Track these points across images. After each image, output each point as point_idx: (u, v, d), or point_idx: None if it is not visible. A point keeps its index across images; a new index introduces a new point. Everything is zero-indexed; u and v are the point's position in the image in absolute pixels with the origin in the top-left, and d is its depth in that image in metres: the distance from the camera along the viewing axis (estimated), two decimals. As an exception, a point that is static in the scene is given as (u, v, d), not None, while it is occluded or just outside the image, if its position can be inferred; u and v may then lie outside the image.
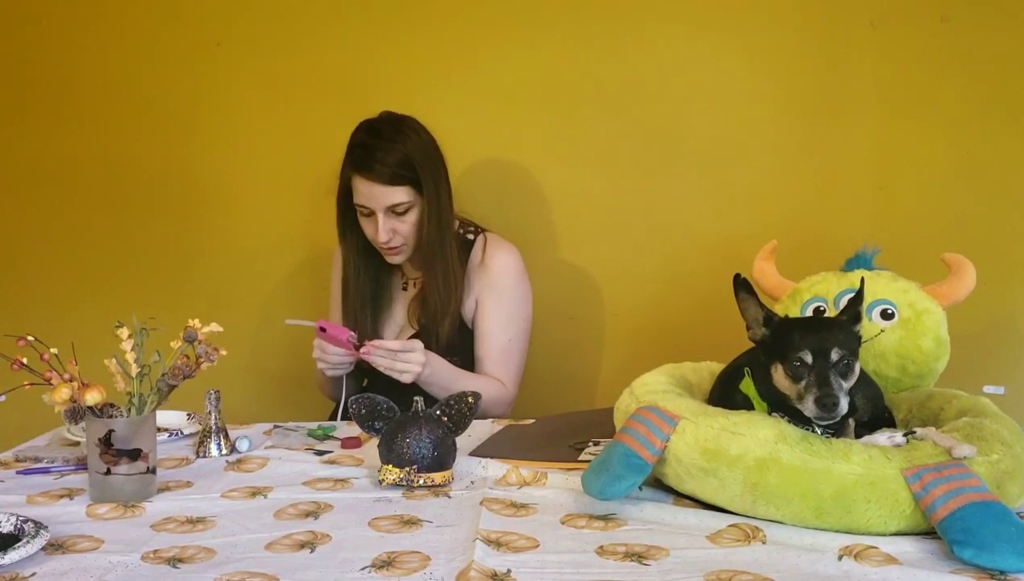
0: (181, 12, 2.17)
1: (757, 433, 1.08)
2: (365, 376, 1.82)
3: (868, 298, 1.33)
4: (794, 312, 1.39)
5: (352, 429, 1.55)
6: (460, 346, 1.80)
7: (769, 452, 1.06)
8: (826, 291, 1.37)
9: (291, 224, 2.19)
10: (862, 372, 1.26)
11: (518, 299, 1.86)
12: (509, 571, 0.95)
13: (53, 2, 2.20)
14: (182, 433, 1.54)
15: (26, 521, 1.06)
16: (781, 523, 1.06)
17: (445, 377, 1.69)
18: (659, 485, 1.19)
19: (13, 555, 0.96)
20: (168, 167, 2.21)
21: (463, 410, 1.31)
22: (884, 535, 1.02)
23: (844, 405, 1.08)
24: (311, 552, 1.03)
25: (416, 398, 1.30)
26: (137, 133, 2.20)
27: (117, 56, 2.20)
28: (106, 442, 1.19)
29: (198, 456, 1.43)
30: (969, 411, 1.19)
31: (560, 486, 1.24)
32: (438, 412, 1.30)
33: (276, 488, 1.26)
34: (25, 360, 1.19)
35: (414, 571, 0.96)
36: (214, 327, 1.28)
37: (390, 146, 1.72)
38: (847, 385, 1.10)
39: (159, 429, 1.39)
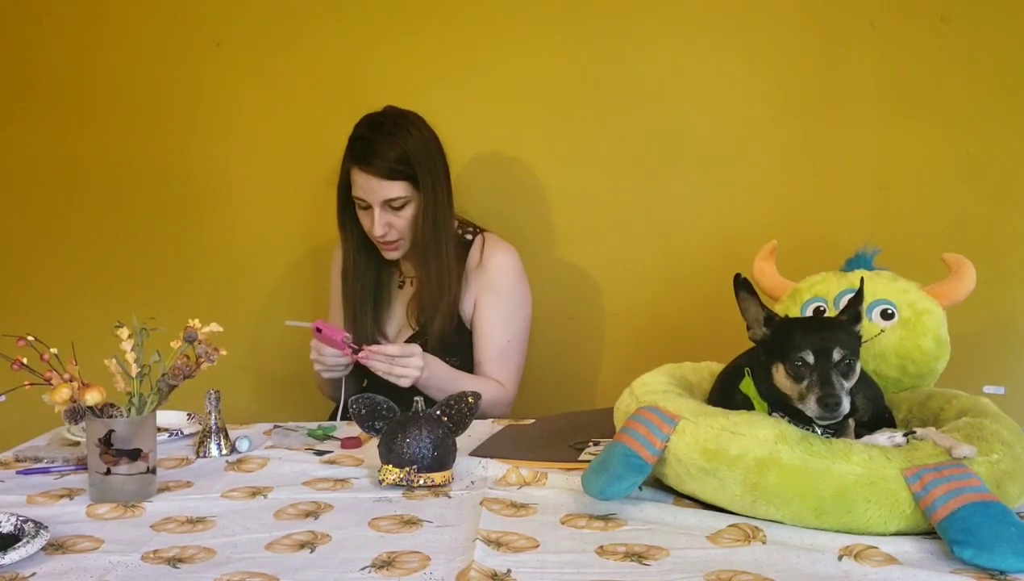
0: (181, 12, 2.17)
1: (757, 433, 1.08)
2: (365, 377, 1.82)
3: (868, 298, 1.33)
4: (794, 312, 1.39)
5: (352, 429, 1.55)
6: (459, 346, 1.80)
7: (769, 452, 1.06)
8: (826, 291, 1.37)
9: (291, 224, 2.19)
10: (862, 372, 1.26)
11: (517, 299, 1.86)
12: (509, 571, 0.95)
13: (53, 2, 2.20)
14: (182, 433, 1.54)
15: (26, 521, 1.06)
16: (781, 523, 1.06)
17: (444, 379, 1.68)
18: (659, 485, 1.19)
19: (13, 555, 0.96)
20: (168, 167, 2.21)
21: (463, 410, 1.31)
22: (884, 535, 1.02)
23: (846, 405, 1.08)
24: (311, 552, 1.03)
25: (416, 398, 1.30)
26: (137, 133, 2.20)
27: (117, 56, 2.20)
28: (106, 442, 1.19)
29: (198, 456, 1.43)
30: (969, 411, 1.19)
31: (560, 486, 1.24)
32: (438, 412, 1.30)
33: (276, 488, 1.26)
34: (25, 360, 1.19)
35: (414, 571, 0.96)
36: (214, 327, 1.28)
37: (390, 141, 1.72)
38: (848, 385, 1.10)
39: (159, 429, 1.39)
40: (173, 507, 1.19)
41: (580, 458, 1.35)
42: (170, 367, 1.25)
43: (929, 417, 1.26)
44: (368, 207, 1.75)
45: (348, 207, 1.80)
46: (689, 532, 1.08)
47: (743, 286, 1.18)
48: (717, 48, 2.09)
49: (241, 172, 2.20)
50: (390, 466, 1.24)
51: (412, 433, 1.25)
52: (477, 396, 1.32)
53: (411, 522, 1.12)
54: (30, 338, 1.19)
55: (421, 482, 1.23)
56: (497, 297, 1.82)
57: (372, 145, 1.73)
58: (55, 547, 1.04)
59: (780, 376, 1.13)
